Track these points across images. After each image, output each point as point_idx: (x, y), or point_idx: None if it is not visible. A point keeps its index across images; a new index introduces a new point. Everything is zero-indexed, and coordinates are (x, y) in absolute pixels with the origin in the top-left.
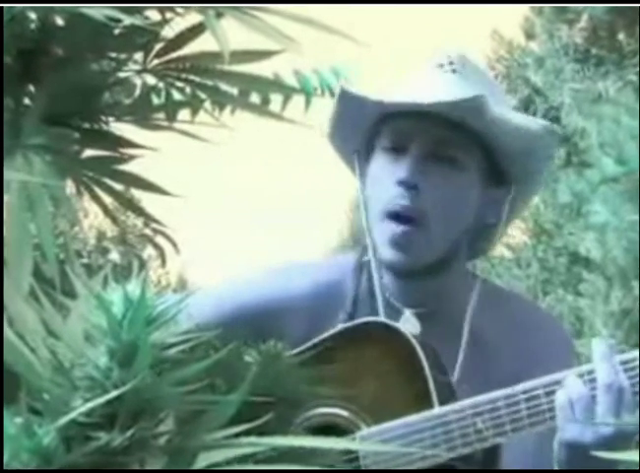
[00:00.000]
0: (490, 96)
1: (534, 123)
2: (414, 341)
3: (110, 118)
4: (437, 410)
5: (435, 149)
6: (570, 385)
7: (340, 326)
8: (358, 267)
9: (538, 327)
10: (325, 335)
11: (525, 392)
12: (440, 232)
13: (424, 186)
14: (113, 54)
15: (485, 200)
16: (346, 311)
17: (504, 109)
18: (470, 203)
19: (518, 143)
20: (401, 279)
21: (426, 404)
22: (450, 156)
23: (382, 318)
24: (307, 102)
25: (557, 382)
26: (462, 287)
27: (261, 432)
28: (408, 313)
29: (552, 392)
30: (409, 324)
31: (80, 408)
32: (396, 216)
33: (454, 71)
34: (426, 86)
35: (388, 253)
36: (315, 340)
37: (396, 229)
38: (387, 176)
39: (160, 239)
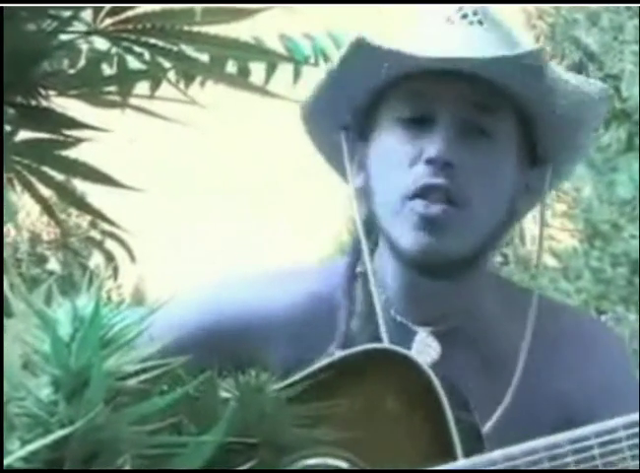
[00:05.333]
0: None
1: (588, 85)
2: (429, 372)
3: (51, 92)
4: (463, 462)
5: (468, 119)
6: None
7: (337, 354)
8: (351, 277)
9: (580, 339)
10: (319, 365)
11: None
12: (481, 218)
13: (460, 164)
14: (54, 11)
15: (521, 182)
16: (338, 337)
17: (556, 67)
18: (507, 185)
19: (569, 110)
20: (420, 284)
21: (447, 453)
22: (486, 126)
23: (389, 345)
24: (296, 73)
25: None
26: (491, 296)
27: None
28: (423, 334)
29: (636, 435)
30: (427, 348)
31: (17, 452)
32: (426, 194)
33: (480, 22)
34: (453, 39)
35: (415, 238)
36: (307, 371)
37: (428, 206)
38: (409, 155)
39: (110, 244)
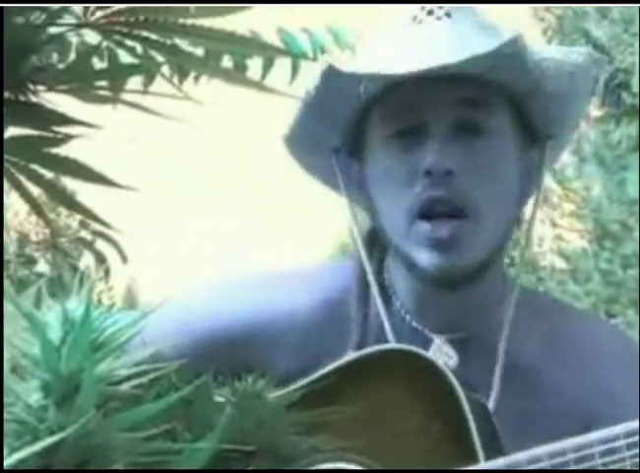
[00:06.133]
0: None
1: (573, 54)
2: (451, 376)
3: (40, 87)
4: (484, 465)
5: (460, 119)
6: None
7: (349, 356)
8: (363, 283)
9: (597, 344)
10: (328, 368)
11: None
12: (492, 222)
13: (461, 169)
14: (44, 4)
15: (522, 167)
16: (351, 344)
17: (536, 47)
18: (511, 177)
19: (559, 83)
20: (434, 292)
21: (468, 458)
22: (480, 123)
23: (407, 345)
24: (294, 68)
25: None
26: (504, 298)
27: None
28: (439, 341)
29: (635, 444)
30: (444, 356)
31: (6, 460)
32: (431, 209)
33: (448, 15)
34: (424, 42)
35: (430, 259)
36: (315, 375)
37: (435, 228)
38: (406, 170)
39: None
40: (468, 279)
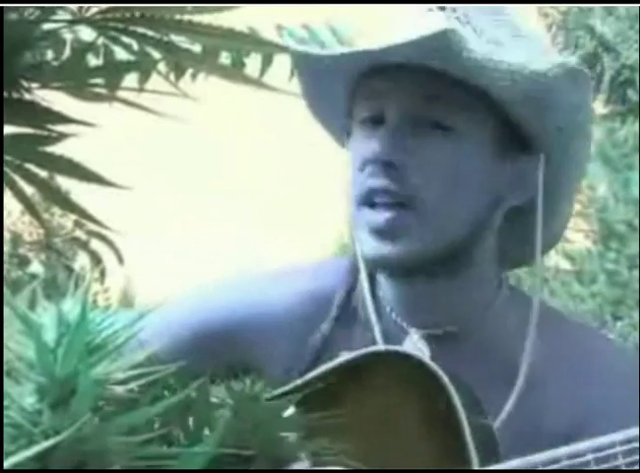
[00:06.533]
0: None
1: (540, 61)
2: (445, 378)
3: (34, 84)
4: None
5: (420, 114)
6: None
7: (340, 357)
8: (353, 273)
9: (601, 361)
10: (320, 370)
11: (594, 452)
12: (443, 216)
13: (407, 162)
14: (41, 4)
15: (506, 173)
16: (326, 324)
17: (502, 49)
18: (480, 178)
19: (526, 91)
20: (398, 281)
21: (461, 458)
22: (441, 120)
23: (401, 347)
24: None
25: (635, 439)
26: (497, 301)
27: None
28: (415, 336)
29: (631, 452)
30: (416, 351)
31: None
32: (369, 201)
33: (443, 8)
34: (400, 29)
35: (370, 246)
36: (307, 377)
37: (374, 216)
38: (361, 155)
39: (97, 245)
40: (424, 271)
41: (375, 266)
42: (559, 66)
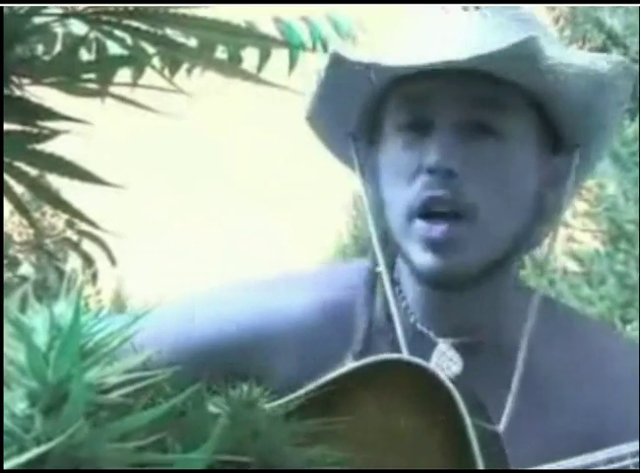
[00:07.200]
0: (539, 35)
1: (601, 61)
2: (451, 386)
3: (24, 80)
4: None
5: (471, 118)
6: None
7: (348, 365)
8: (372, 281)
9: (618, 364)
10: (326, 378)
11: (610, 461)
12: (497, 226)
13: (464, 170)
14: (39, 4)
15: (544, 174)
16: (356, 344)
17: (560, 49)
18: (527, 183)
19: (584, 92)
20: (441, 294)
21: (467, 466)
22: (492, 124)
23: (405, 355)
24: (292, 60)
25: None
26: (517, 304)
27: None
28: (444, 345)
29: None
30: (448, 361)
31: None
32: (428, 212)
33: (477, 6)
34: (449, 34)
35: (423, 259)
36: (311, 386)
37: (430, 228)
38: (410, 165)
39: (88, 246)
40: (471, 282)
41: (426, 279)
42: (617, 65)
